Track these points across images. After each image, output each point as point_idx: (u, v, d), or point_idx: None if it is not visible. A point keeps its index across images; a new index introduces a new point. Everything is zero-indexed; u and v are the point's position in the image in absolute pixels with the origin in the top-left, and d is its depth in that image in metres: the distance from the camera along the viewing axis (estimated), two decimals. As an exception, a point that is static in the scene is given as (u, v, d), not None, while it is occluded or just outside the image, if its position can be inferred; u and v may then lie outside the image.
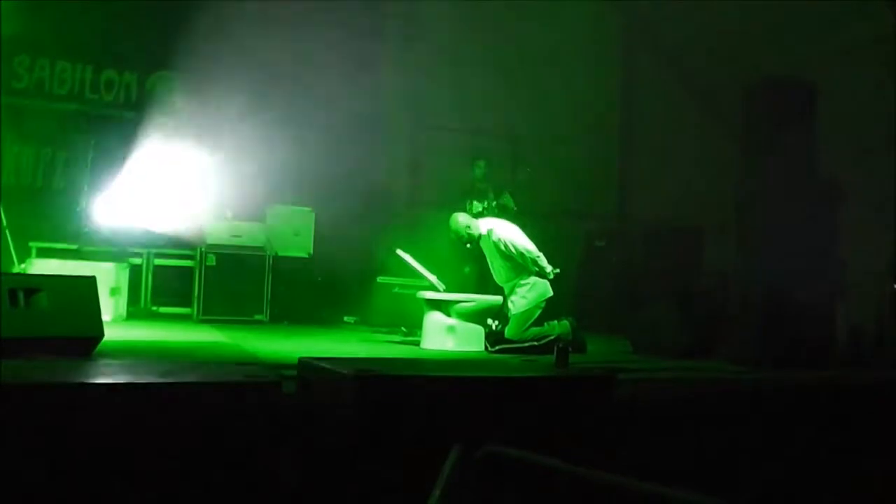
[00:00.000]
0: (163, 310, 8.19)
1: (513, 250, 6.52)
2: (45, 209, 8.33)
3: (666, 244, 9.67)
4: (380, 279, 8.10)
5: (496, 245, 6.58)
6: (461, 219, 6.76)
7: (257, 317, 8.00)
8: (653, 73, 10.83)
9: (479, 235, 6.69)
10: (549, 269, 6.55)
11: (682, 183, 9.64)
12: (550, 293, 6.52)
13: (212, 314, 7.81)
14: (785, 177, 6.20)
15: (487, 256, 6.79)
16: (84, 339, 4.37)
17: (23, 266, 7.25)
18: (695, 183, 9.34)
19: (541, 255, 6.59)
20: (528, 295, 6.47)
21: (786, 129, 6.22)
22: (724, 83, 8.37)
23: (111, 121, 8.83)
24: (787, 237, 6.17)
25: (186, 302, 8.17)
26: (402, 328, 7.37)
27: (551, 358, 4.26)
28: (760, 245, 6.26)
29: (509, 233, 6.65)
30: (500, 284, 6.70)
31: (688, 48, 9.91)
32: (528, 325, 6.39)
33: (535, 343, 6.24)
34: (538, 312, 6.46)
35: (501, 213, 8.16)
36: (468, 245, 6.84)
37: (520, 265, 6.54)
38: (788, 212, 6.19)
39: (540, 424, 3.58)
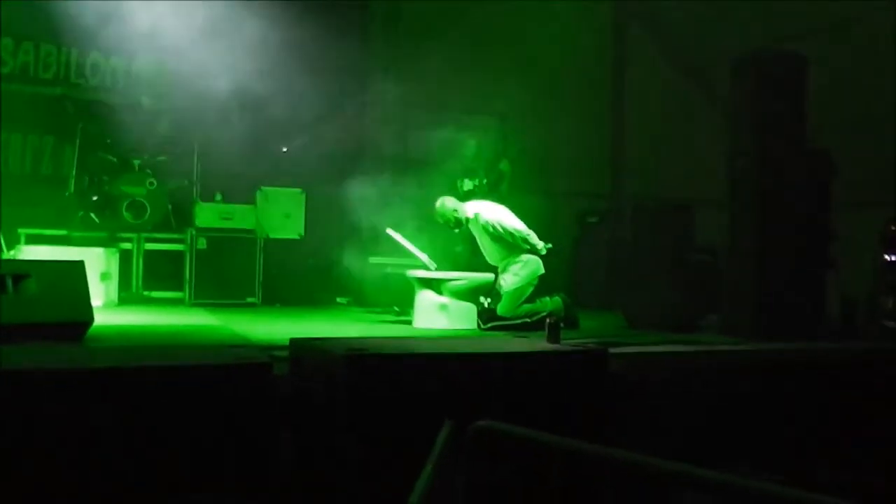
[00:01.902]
0: (154, 294, 8.14)
1: (501, 231, 6.51)
2: (34, 195, 8.26)
3: (658, 220, 9.63)
4: (372, 259, 8.07)
5: (484, 228, 6.57)
6: (448, 203, 6.74)
7: (249, 299, 7.98)
8: (644, 50, 10.79)
9: (467, 219, 6.68)
10: (540, 245, 6.54)
11: (674, 159, 9.63)
12: (542, 271, 6.52)
13: (204, 297, 7.78)
14: (775, 150, 6.18)
15: (478, 239, 6.78)
16: (74, 324, 4.36)
17: (12, 253, 7.20)
18: (687, 158, 9.34)
19: (531, 232, 6.58)
20: (520, 272, 6.47)
21: (776, 102, 6.20)
22: (714, 58, 8.34)
23: (98, 105, 8.74)
24: (779, 210, 6.16)
25: (178, 286, 8.13)
26: (395, 308, 7.36)
27: (543, 333, 4.26)
28: (752, 218, 6.25)
29: (496, 214, 6.64)
30: (494, 264, 6.69)
31: (678, 24, 9.87)
32: (520, 301, 6.39)
33: (528, 320, 6.25)
34: (530, 290, 6.46)
35: (497, 183, 8.16)
36: (457, 230, 6.83)
37: (511, 244, 6.53)
38: (779, 185, 6.18)
39: (532, 399, 3.58)
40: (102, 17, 8.23)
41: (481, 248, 6.78)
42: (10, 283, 4.18)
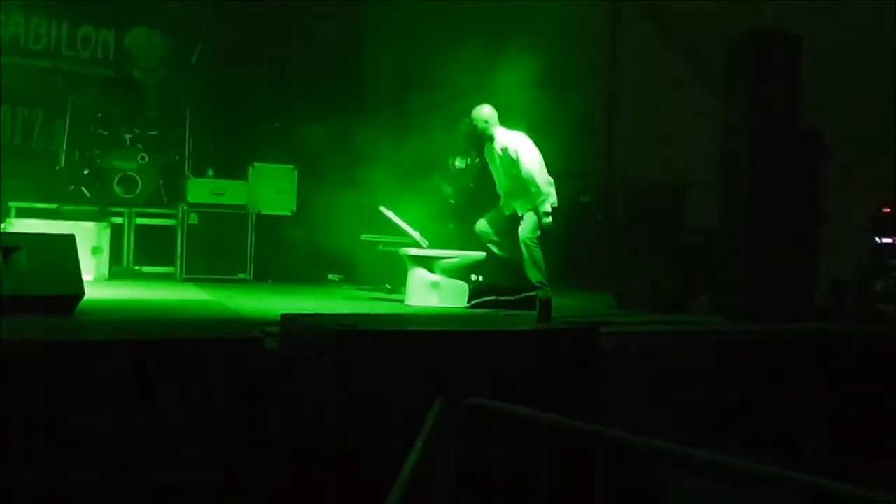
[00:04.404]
0: (145, 269, 8.11)
1: (515, 170, 6.46)
2: (24, 168, 8.20)
3: (651, 200, 9.66)
4: (364, 236, 8.04)
5: (505, 155, 6.51)
6: (486, 111, 6.62)
7: (241, 275, 7.96)
8: (639, 29, 10.74)
9: (491, 139, 6.59)
10: (548, 209, 6.43)
11: (669, 139, 9.61)
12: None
13: (195, 273, 7.76)
14: (768, 131, 6.18)
15: (491, 167, 6.75)
16: (64, 297, 4.35)
17: (2, 226, 7.17)
18: (682, 139, 9.32)
19: (550, 192, 6.47)
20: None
21: (770, 83, 6.18)
22: (710, 37, 8.30)
23: (88, 78, 8.67)
24: (771, 191, 6.17)
25: (169, 261, 8.11)
26: (387, 285, 7.35)
27: (534, 312, 4.27)
28: (744, 199, 6.26)
29: (527, 154, 6.48)
30: (500, 192, 6.70)
31: (674, 2, 9.82)
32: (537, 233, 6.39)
33: (513, 298, 6.19)
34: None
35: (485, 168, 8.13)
36: (468, 143, 6.89)
37: (521, 189, 6.47)
38: (771, 166, 6.18)
39: (523, 377, 3.60)
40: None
41: (495, 173, 6.74)
42: (0, 255, 4.17)
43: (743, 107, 6.27)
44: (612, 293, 7.04)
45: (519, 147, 6.50)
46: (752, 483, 2.06)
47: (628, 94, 11.00)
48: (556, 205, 6.51)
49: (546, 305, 4.10)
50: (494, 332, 3.87)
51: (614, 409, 4.05)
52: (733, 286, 6.23)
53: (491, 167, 6.79)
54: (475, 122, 6.65)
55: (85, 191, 8.01)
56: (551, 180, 6.57)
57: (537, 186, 6.41)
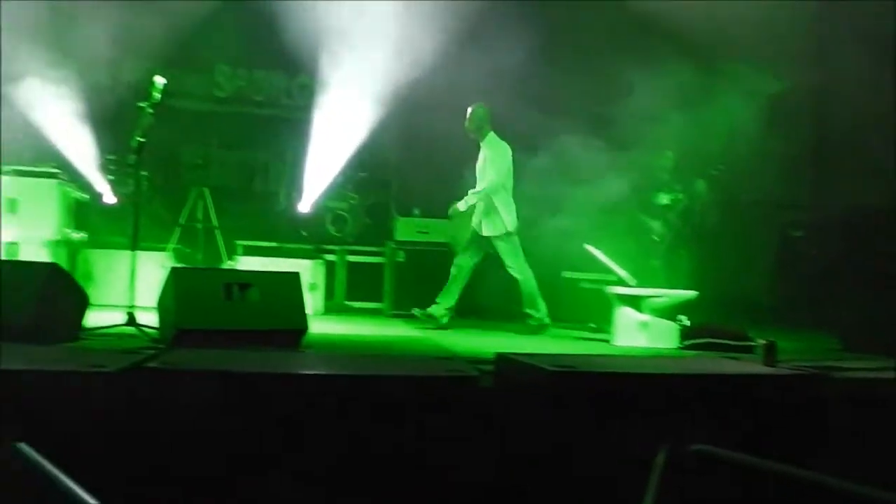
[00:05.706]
0: (356, 304, 8.49)
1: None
2: (247, 209, 8.85)
3: (870, 230, 9.00)
4: (566, 274, 8.01)
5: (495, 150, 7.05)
6: (481, 111, 7.09)
7: (445, 311, 8.12)
8: (849, 47, 10.08)
9: (484, 136, 7.08)
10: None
11: (883, 164, 8.95)
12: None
13: (402, 308, 8.01)
14: None
15: (482, 159, 7.18)
16: (291, 331, 4.61)
17: (230, 263, 7.74)
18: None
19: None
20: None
21: None
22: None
23: (305, 124, 9.25)
24: None
25: (377, 297, 8.44)
26: (591, 324, 7.25)
27: (756, 355, 4.06)
28: None
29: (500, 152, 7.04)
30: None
31: (885, 14, 9.16)
32: None
33: (731, 343, 5.91)
34: None
35: (691, 202, 7.88)
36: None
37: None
38: None
39: (749, 423, 3.42)
40: (310, 43, 8.69)
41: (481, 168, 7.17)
42: (236, 290, 4.49)
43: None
44: (837, 334, 6.57)
45: (495, 144, 7.09)
46: None
47: (841, 116, 10.34)
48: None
49: (771, 348, 3.89)
50: (717, 375, 3.71)
51: (845, 459, 3.77)
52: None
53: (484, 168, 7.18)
54: (478, 117, 7.10)
55: (302, 230, 8.51)
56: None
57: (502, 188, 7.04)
